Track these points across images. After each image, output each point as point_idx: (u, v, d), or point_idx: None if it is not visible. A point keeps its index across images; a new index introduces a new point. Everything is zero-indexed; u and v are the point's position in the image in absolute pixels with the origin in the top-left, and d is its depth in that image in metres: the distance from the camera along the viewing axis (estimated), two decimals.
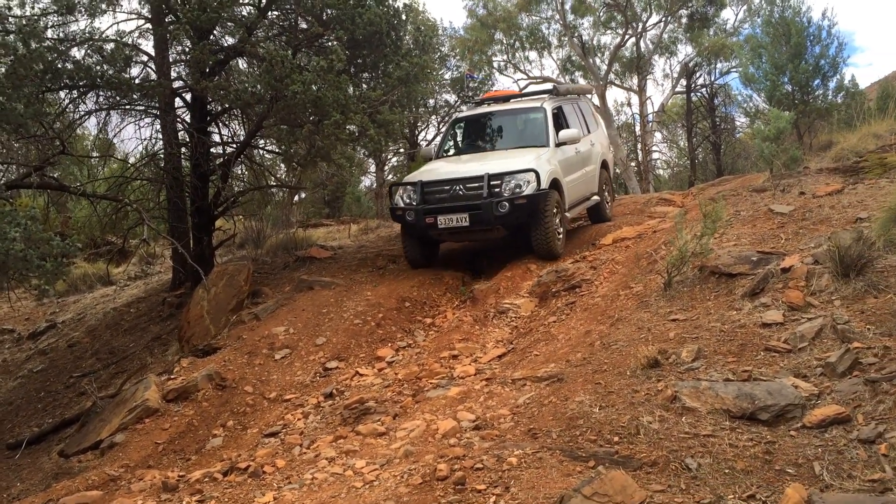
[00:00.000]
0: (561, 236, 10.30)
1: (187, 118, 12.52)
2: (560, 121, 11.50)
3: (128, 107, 12.35)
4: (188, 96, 12.43)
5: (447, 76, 28.66)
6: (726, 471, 4.34)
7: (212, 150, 12.38)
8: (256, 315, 9.48)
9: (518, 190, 9.75)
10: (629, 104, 31.81)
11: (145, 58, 12.61)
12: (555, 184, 10.24)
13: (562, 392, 5.65)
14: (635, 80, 29.21)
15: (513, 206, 9.68)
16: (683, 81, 28.74)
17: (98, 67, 11.08)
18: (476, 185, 9.92)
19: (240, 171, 14.04)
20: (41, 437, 9.25)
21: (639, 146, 29.30)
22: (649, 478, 4.34)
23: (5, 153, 11.97)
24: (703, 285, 6.91)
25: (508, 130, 11.60)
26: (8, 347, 13.41)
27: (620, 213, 12.66)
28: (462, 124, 12.31)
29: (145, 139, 14.45)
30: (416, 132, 26.80)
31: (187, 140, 12.39)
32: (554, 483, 4.29)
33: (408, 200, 10.26)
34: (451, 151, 11.82)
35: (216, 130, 12.80)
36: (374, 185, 27.34)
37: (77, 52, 11.38)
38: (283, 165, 15.28)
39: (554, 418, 5.19)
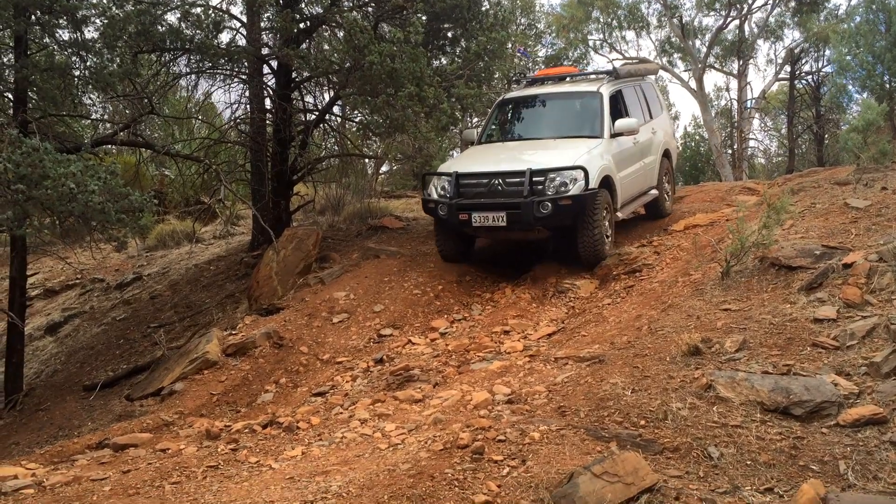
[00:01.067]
0: (609, 239, 9.35)
1: (273, 85, 12.85)
2: (618, 107, 10.43)
3: (216, 72, 12.75)
4: (274, 63, 12.75)
5: (541, 53, 28.43)
6: (748, 462, 4.25)
7: (293, 117, 12.68)
8: (321, 279, 9.72)
9: (563, 189, 8.81)
10: (727, 89, 30.80)
11: (238, 24, 12.99)
12: (606, 182, 9.29)
13: (599, 373, 5.62)
14: (736, 65, 28.23)
15: (556, 207, 8.74)
16: (787, 68, 27.60)
17: (188, 32, 11.48)
18: (517, 180, 8.99)
19: (321, 139, 14.36)
20: (115, 381, 9.78)
21: (735, 133, 28.34)
22: (668, 463, 4.29)
23: (97, 111, 12.55)
24: (762, 276, 6.71)
25: (559, 116, 10.46)
26: (97, 296, 14.15)
27: (700, 201, 12.33)
28: (509, 107, 11.04)
29: (233, 103, 14.78)
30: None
31: (271, 106, 12.73)
32: (570, 460, 4.30)
33: (441, 192, 9.42)
34: (495, 136, 10.82)
35: (299, 98, 13.09)
36: None
37: (171, 16, 11.83)
38: (367, 135, 15.51)
39: (585, 398, 5.18)
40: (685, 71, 28.66)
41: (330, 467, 4.69)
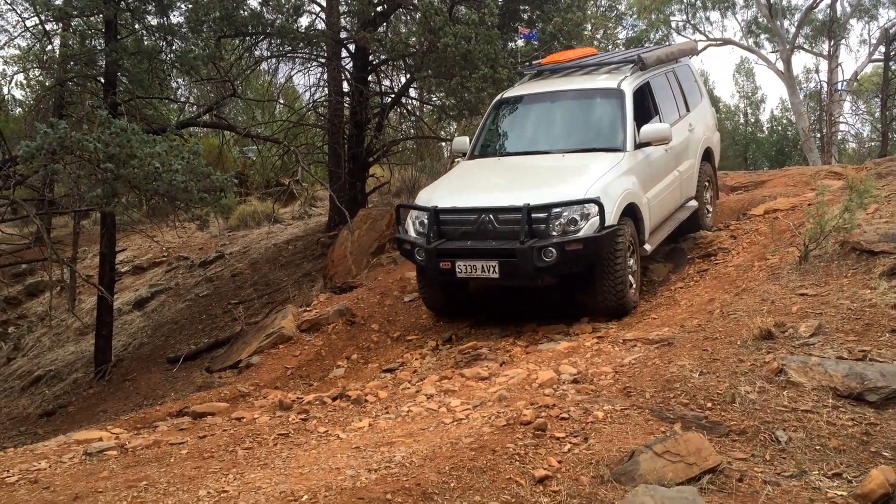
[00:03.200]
0: (634, 285, 7.56)
1: (350, 68, 13.06)
2: (646, 104, 8.45)
3: (295, 55, 13.03)
4: (352, 47, 12.94)
5: (622, 35, 27.95)
6: (817, 447, 4.16)
7: (370, 99, 12.86)
8: (394, 259, 9.88)
9: (572, 229, 7.01)
10: (817, 71, 29.69)
11: (317, 8, 13.24)
12: (630, 210, 7.44)
13: (667, 355, 5.57)
14: (826, 46, 27.19)
15: (563, 254, 6.94)
16: (882, 48, 26.43)
17: (269, 16, 11.76)
18: (511, 217, 7.18)
19: (397, 122, 14.53)
20: (196, 354, 10.18)
21: (824, 116, 27.34)
22: (733, 445, 4.24)
23: (183, 94, 12.97)
24: (842, 261, 6.51)
25: (570, 122, 8.46)
26: (181, 273, 14.70)
27: (782, 185, 12.00)
28: (508, 108, 8.96)
29: (312, 86, 15.07)
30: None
31: (348, 89, 12.94)
32: (633, 439, 4.29)
33: (419, 230, 7.58)
34: (491, 148, 8.73)
35: (375, 81, 13.26)
36: None
37: (253, 1, 12.14)
38: (442, 117, 15.60)
39: (652, 379, 5.14)
40: (772, 52, 27.79)
41: (395, 439, 4.79)
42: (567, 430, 4.49)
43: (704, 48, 27.23)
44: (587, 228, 6.98)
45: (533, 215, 7.04)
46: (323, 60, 13.17)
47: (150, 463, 4.82)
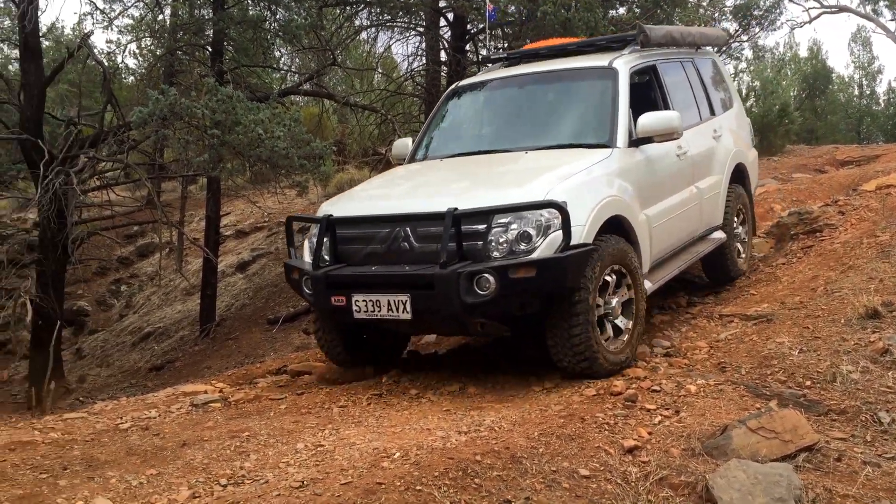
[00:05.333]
0: (625, 336, 5.23)
1: (448, 37, 13.07)
2: (651, 94, 6.46)
3: (394, 24, 13.13)
4: (450, 16, 12.95)
5: (729, 2, 26.89)
6: None
7: (468, 69, 12.86)
8: None
9: (523, 246, 4.78)
10: None
11: None
12: (616, 226, 5.28)
13: (766, 332, 5.45)
14: None
15: (505, 284, 4.69)
16: None
17: None
18: (436, 230, 4.90)
19: None
20: (295, 317, 10.52)
21: None
22: (832, 424, 4.13)
23: (285, 62, 13.28)
24: None
25: (543, 111, 6.33)
26: (282, 238, 15.14)
27: None
28: (464, 99, 6.88)
29: (409, 56, 15.16)
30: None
31: (446, 58, 12.97)
32: (726, 414, 4.23)
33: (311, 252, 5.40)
34: (439, 149, 6.53)
35: (473, 50, 13.23)
36: None
37: None
38: None
39: (748, 355, 5.04)
40: (892, 20, 26.25)
41: (485, 404, 4.87)
42: (658, 402, 4.47)
43: (818, 16, 25.94)
44: (545, 247, 4.74)
45: (465, 227, 4.81)
46: (421, 29, 13.22)
47: (251, 416, 5.04)
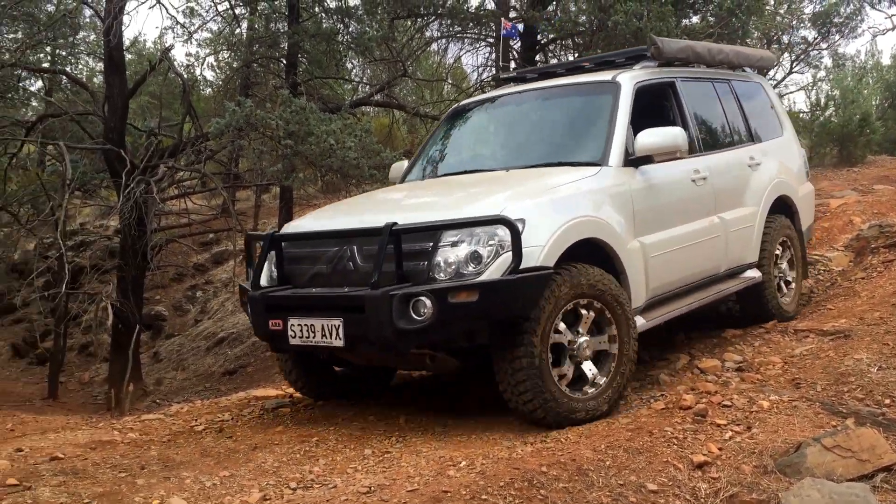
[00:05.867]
0: (603, 381, 4.64)
1: (518, 47, 13.09)
2: (663, 112, 5.95)
3: (465, 35, 13.23)
4: (521, 26, 12.98)
5: (808, 9, 26.23)
6: None
7: None
8: None
9: (471, 268, 4.28)
10: None
11: None
12: (593, 250, 4.77)
13: (843, 348, 5.29)
14: None
15: (444, 310, 4.18)
16: None
17: None
18: (372, 248, 4.51)
19: None
20: None
21: None
22: None
23: (357, 74, 13.50)
24: None
25: (537, 129, 5.97)
26: None
27: None
28: (460, 121, 6.58)
29: (479, 66, 15.22)
30: (765, 70, 24.97)
31: (515, 69, 12.99)
32: (800, 431, 4.12)
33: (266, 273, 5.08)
34: (429, 170, 6.31)
35: (543, 60, 13.22)
36: None
37: None
38: None
39: (824, 372, 4.91)
40: None
41: None
42: (729, 417, 4.39)
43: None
44: (495, 269, 4.24)
45: (408, 245, 4.36)
46: (491, 40, 13.29)
47: (320, 421, 5.14)
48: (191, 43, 15.40)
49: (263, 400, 5.88)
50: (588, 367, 4.62)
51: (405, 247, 4.34)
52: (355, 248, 4.59)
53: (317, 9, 11.73)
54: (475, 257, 4.28)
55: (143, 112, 15.65)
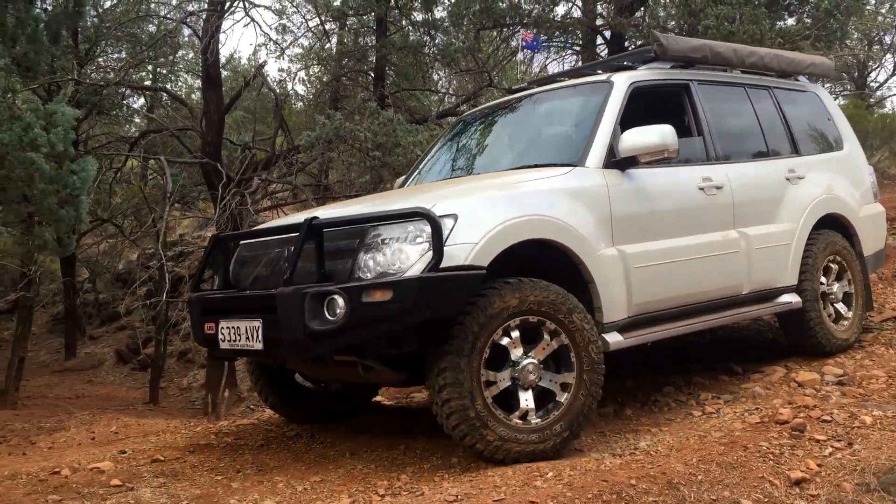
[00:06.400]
0: (557, 412, 4.15)
1: (605, 55, 12.97)
2: (680, 119, 5.50)
3: (551, 44, 13.19)
4: (607, 34, 12.85)
5: None
6: None
7: None
8: None
9: (395, 266, 3.93)
10: None
11: None
12: (551, 254, 4.38)
13: None
14: None
15: (357, 310, 3.83)
16: None
17: (527, 6, 12.01)
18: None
19: None
20: None
21: None
22: None
23: (443, 85, 13.62)
24: None
25: (528, 133, 5.65)
26: None
27: None
28: (461, 130, 6.39)
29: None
30: (866, 72, 24.04)
31: None
32: None
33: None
34: (422, 175, 6.20)
35: None
36: None
37: None
38: None
39: None
40: None
41: (640, 427, 4.78)
42: (829, 433, 4.23)
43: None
44: (417, 264, 3.88)
45: (332, 243, 4.12)
46: (578, 48, 13.21)
47: (407, 429, 5.19)
48: (283, 58, 15.94)
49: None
50: (525, 398, 4.08)
51: (332, 245, 4.10)
52: (292, 248, 4.25)
53: (404, 22, 11.91)
54: (402, 255, 3.93)
55: (238, 126, 16.19)
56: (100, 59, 13.78)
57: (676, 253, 4.94)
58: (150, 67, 14.84)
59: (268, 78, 12.91)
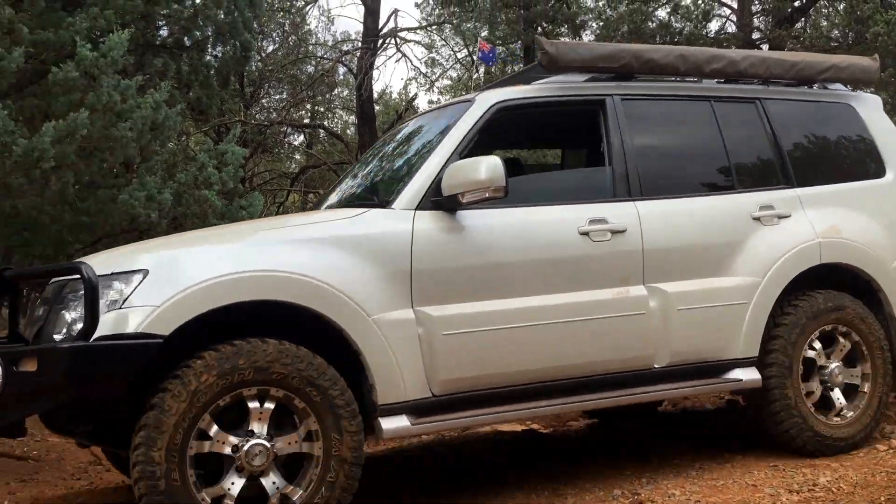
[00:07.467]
0: None
1: None
2: (593, 143, 4.70)
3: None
4: (765, 47, 12.35)
5: None
6: None
7: None
8: None
9: (78, 328, 3.27)
10: None
11: (727, 11, 12.92)
12: (321, 325, 3.55)
13: None
14: None
15: (10, 378, 3.28)
16: None
17: (677, 24, 11.76)
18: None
19: None
20: None
21: None
22: None
23: None
24: None
25: (383, 164, 4.91)
26: None
27: None
28: (367, 155, 5.61)
29: None
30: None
31: None
32: None
33: None
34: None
35: None
36: None
37: (661, 11, 12.24)
38: None
39: None
40: None
41: (818, 462, 4.46)
42: None
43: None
44: (72, 332, 3.33)
45: (51, 295, 3.67)
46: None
47: (567, 456, 5.10)
48: (432, 91, 16.24)
49: (500, 433, 5.95)
50: (231, 481, 3.31)
51: (52, 296, 3.61)
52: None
53: None
54: (59, 318, 3.42)
55: None
56: (263, 101, 14.64)
57: (523, 315, 3.90)
58: (308, 106, 15.61)
59: (418, 110, 13.25)
